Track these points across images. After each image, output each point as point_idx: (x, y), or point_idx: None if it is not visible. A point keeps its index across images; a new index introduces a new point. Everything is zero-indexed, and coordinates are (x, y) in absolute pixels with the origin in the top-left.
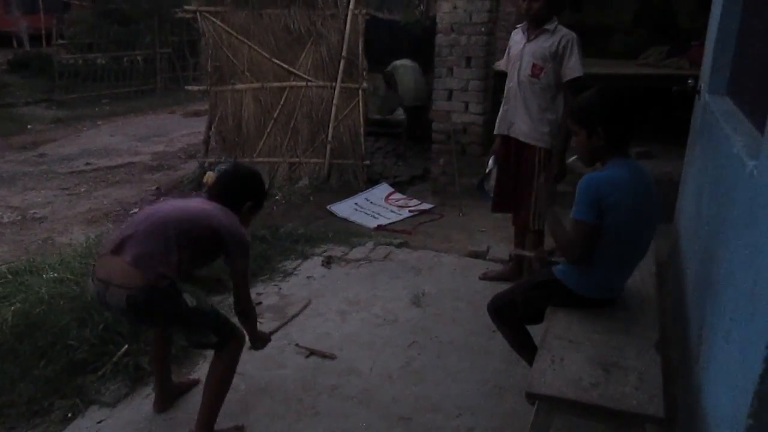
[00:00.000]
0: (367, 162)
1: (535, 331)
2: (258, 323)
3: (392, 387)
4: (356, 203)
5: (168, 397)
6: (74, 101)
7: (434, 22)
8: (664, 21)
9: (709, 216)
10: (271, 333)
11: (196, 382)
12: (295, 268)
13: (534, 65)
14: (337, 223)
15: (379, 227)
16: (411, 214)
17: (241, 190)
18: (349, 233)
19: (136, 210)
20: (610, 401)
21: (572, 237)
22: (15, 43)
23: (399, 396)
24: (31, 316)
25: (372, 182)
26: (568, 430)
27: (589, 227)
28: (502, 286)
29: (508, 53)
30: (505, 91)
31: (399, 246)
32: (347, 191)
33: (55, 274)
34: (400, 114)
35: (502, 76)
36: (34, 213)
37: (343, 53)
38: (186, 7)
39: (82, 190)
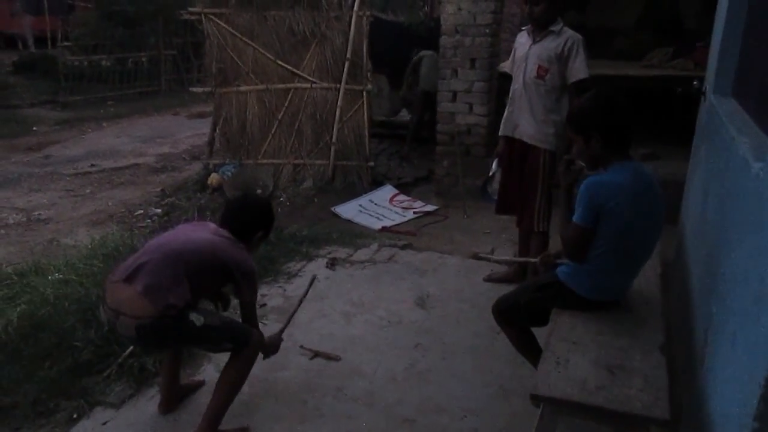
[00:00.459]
0: (372, 163)
1: (540, 333)
2: (262, 324)
3: (397, 389)
4: (360, 205)
5: (173, 399)
6: (79, 103)
7: (438, 23)
8: (668, 22)
9: (714, 218)
10: (283, 329)
11: (201, 384)
12: (299, 270)
13: (539, 67)
14: (342, 225)
15: (384, 229)
16: (415, 215)
17: (251, 221)
18: (354, 235)
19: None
20: (615, 403)
21: (568, 237)
22: (20, 45)
23: (403, 398)
24: (36, 317)
25: (376, 184)
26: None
27: (582, 231)
28: (507, 288)
29: (513, 55)
30: (510, 93)
31: (403, 248)
32: (351, 193)
33: (60, 276)
34: (404, 115)
35: (507, 77)
36: (39, 214)
37: (348, 55)
38: (191, 9)
39: (87, 191)
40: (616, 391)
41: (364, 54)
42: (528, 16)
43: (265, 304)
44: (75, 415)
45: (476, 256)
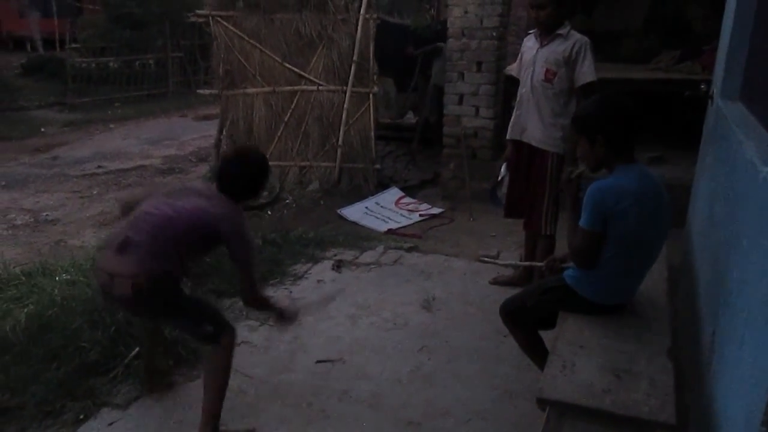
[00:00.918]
0: (378, 166)
1: (546, 336)
2: (268, 325)
3: (402, 391)
4: (366, 207)
5: (155, 380)
6: (87, 104)
7: (445, 26)
8: (676, 26)
9: (721, 221)
10: (316, 304)
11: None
12: (305, 272)
13: (547, 70)
14: (348, 227)
15: (390, 231)
16: (421, 218)
17: (248, 185)
18: (359, 237)
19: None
20: (622, 408)
21: (577, 244)
22: (29, 47)
23: (409, 400)
24: (44, 317)
25: (382, 186)
26: None
27: (592, 236)
28: (513, 291)
29: (521, 59)
30: (518, 97)
31: (409, 250)
32: (357, 195)
33: (68, 276)
34: (410, 118)
35: (513, 80)
36: (47, 215)
37: (354, 57)
38: (198, 12)
39: (94, 192)
40: (623, 395)
41: (371, 56)
42: (534, 20)
43: None
44: (82, 416)
45: (481, 259)
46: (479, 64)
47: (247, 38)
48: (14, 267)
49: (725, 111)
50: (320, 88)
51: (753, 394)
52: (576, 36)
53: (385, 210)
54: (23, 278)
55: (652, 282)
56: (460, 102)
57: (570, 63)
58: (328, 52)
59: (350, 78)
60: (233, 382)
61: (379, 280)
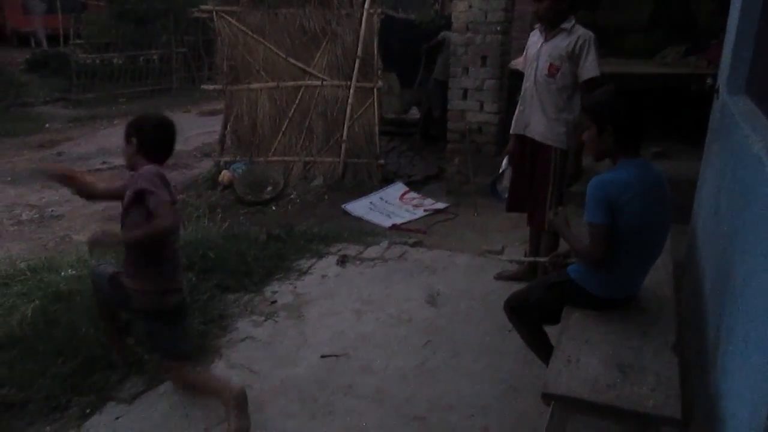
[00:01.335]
0: (382, 161)
1: (551, 331)
2: (273, 320)
3: (407, 386)
4: (371, 202)
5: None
6: (91, 100)
7: (449, 21)
8: (681, 20)
9: (726, 216)
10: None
11: None
12: (309, 267)
13: (551, 65)
14: (352, 222)
15: (394, 226)
16: (425, 213)
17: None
18: (364, 232)
19: None
20: (627, 402)
21: (589, 241)
22: (33, 43)
23: (413, 395)
24: (50, 313)
25: (387, 181)
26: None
27: (604, 229)
28: (517, 286)
29: (526, 53)
30: (522, 91)
31: (413, 245)
32: (362, 190)
33: (73, 272)
34: (414, 113)
35: (518, 75)
36: (52, 211)
37: (359, 52)
38: (202, 7)
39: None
40: (628, 390)
41: (375, 52)
42: (534, 14)
43: (275, 301)
44: (88, 410)
45: (486, 254)
46: (484, 58)
47: (251, 33)
48: (20, 262)
49: (731, 105)
50: (324, 83)
51: (758, 389)
52: (580, 31)
53: (389, 205)
54: (29, 273)
55: (656, 277)
56: (465, 97)
57: (573, 58)
58: (332, 47)
59: (354, 73)
60: (238, 376)
61: (383, 275)
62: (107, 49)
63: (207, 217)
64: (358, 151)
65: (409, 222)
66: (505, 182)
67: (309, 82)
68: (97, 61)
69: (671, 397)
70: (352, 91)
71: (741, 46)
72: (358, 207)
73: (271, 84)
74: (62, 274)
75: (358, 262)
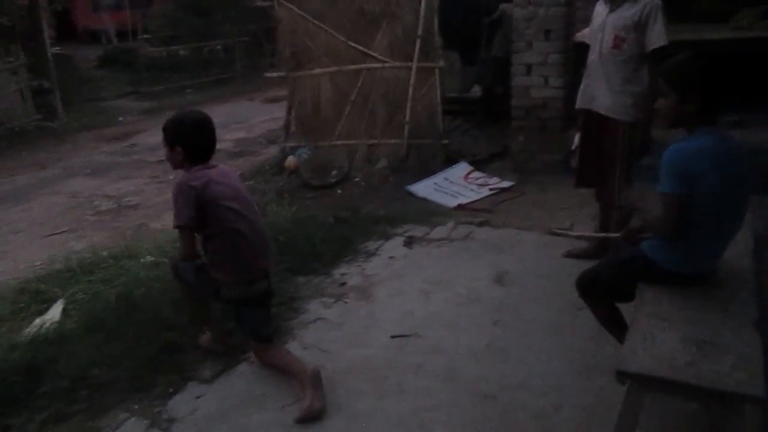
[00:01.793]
0: (445, 141)
1: (625, 309)
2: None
3: (477, 365)
4: (435, 183)
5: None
6: (160, 92)
7: None
8: None
9: None
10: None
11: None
12: (377, 249)
13: (616, 36)
14: (417, 203)
15: (459, 206)
16: (491, 192)
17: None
18: (429, 213)
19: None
20: (706, 380)
21: (662, 212)
22: (104, 40)
23: (484, 374)
24: (131, 298)
25: (450, 161)
26: (659, 410)
27: (679, 199)
28: (588, 264)
29: (591, 25)
30: (587, 64)
31: (480, 225)
32: (426, 171)
33: (151, 259)
34: (476, 91)
35: (584, 48)
36: (128, 201)
37: (419, 32)
38: None
39: (171, 177)
40: (707, 368)
41: (435, 30)
42: None
43: (345, 283)
44: (171, 390)
45: (553, 232)
46: (547, 32)
47: (311, 19)
48: (102, 251)
49: None
50: (385, 65)
51: None
52: None
53: (454, 185)
54: (110, 261)
55: (736, 252)
56: (528, 72)
57: (640, 27)
58: (392, 28)
59: (415, 53)
60: (311, 356)
61: (450, 255)
62: (173, 41)
63: (275, 202)
64: (421, 132)
65: (475, 201)
66: (578, 158)
67: (370, 64)
68: (164, 54)
69: (754, 375)
70: (413, 71)
71: None
72: (422, 188)
73: (333, 68)
74: (141, 260)
75: (424, 243)
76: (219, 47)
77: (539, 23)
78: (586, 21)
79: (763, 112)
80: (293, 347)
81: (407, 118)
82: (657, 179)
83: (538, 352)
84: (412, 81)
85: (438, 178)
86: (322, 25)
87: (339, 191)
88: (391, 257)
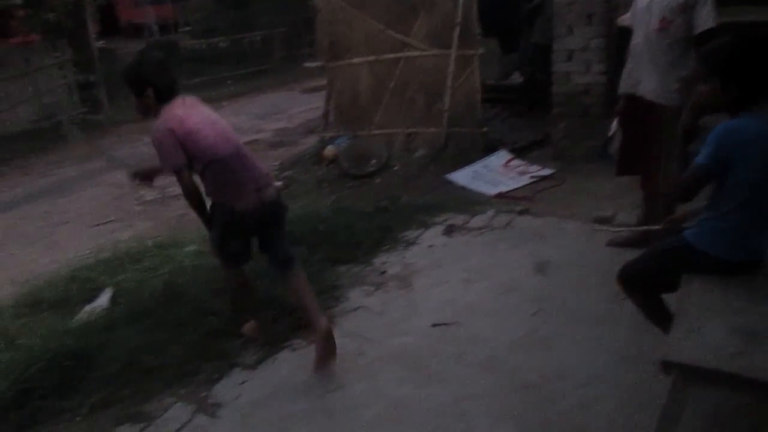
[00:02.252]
0: (485, 129)
1: (670, 299)
2: (383, 291)
3: (517, 354)
4: (475, 171)
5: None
6: (200, 84)
7: None
8: None
9: None
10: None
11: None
12: (416, 238)
13: (663, 18)
14: (456, 192)
15: (499, 195)
16: (531, 180)
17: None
18: (469, 201)
19: None
20: (756, 371)
21: (686, 176)
22: (146, 34)
23: (524, 364)
24: (176, 285)
25: (490, 149)
26: (705, 402)
27: (702, 172)
28: (631, 253)
29: (634, 7)
30: (631, 48)
31: (520, 213)
32: (465, 159)
33: (195, 247)
34: (515, 78)
35: (626, 32)
36: (171, 191)
37: (458, 19)
38: None
39: None
40: (758, 359)
41: (474, 17)
42: None
43: (385, 272)
44: (216, 375)
45: (594, 228)
46: (589, 16)
47: (350, 8)
48: (147, 240)
49: None
50: (424, 53)
51: None
52: None
53: (493, 173)
54: (156, 250)
55: None
56: (570, 58)
57: (688, 9)
58: (431, 16)
59: (454, 41)
60: (352, 344)
61: (490, 244)
62: (212, 34)
63: (314, 191)
64: (460, 120)
65: (515, 190)
66: (616, 144)
67: (408, 53)
68: (204, 46)
69: None
70: (452, 59)
71: None
72: (461, 176)
73: (371, 57)
74: (185, 249)
75: (464, 232)
76: (258, 38)
77: (581, 8)
78: (629, 4)
79: None
80: (335, 335)
81: (446, 106)
82: None
83: (579, 342)
84: (450, 69)
85: (477, 167)
86: (360, 14)
87: (378, 180)
88: (430, 246)
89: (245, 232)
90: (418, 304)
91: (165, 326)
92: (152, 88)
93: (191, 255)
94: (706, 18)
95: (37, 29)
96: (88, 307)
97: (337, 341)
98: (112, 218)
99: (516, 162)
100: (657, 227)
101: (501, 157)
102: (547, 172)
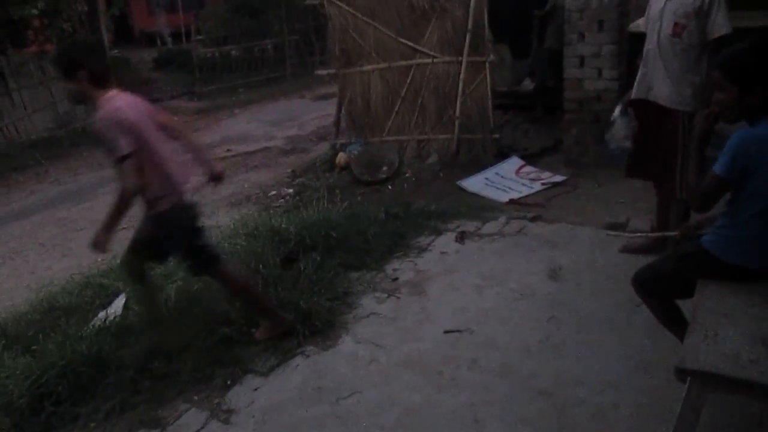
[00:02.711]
0: (497, 135)
1: (685, 305)
2: (395, 297)
3: (532, 361)
4: (486, 178)
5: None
6: (213, 92)
7: None
8: None
9: None
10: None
11: None
12: (429, 244)
13: (676, 24)
14: (468, 199)
15: (511, 201)
16: (543, 186)
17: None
18: (481, 208)
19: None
20: None
21: (703, 186)
22: (159, 42)
23: (539, 370)
24: (189, 292)
25: (502, 156)
26: (720, 410)
27: (720, 182)
28: (645, 259)
29: (648, 13)
30: (644, 53)
31: (532, 220)
32: (477, 166)
33: None
34: (527, 85)
35: (638, 38)
36: None
37: (469, 26)
38: None
39: (227, 173)
40: None
41: (485, 24)
42: None
43: (397, 278)
44: (229, 381)
45: (608, 234)
46: (600, 23)
47: (361, 16)
48: None
49: None
50: (435, 60)
51: None
52: None
53: (505, 180)
54: None
55: None
56: (581, 64)
57: (701, 14)
58: (442, 23)
59: (465, 48)
60: (365, 351)
61: (503, 250)
62: (225, 42)
63: (326, 198)
64: (472, 127)
65: (527, 196)
66: (617, 131)
67: (420, 60)
68: (217, 55)
69: None
70: (463, 66)
71: None
72: (473, 183)
73: (383, 65)
74: None
75: (476, 238)
76: (269, 46)
77: (592, 14)
78: (640, 10)
79: None
80: (347, 341)
81: (458, 112)
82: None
83: (594, 348)
84: (462, 75)
85: (489, 173)
86: (371, 22)
87: (390, 187)
88: (443, 252)
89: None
90: (430, 311)
91: (178, 332)
92: (86, 70)
93: None
94: (720, 23)
95: (53, 38)
96: (102, 313)
97: (350, 348)
98: (126, 226)
99: (528, 168)
100: (673, 233)
101: (513, 163)
102: (559, 178)
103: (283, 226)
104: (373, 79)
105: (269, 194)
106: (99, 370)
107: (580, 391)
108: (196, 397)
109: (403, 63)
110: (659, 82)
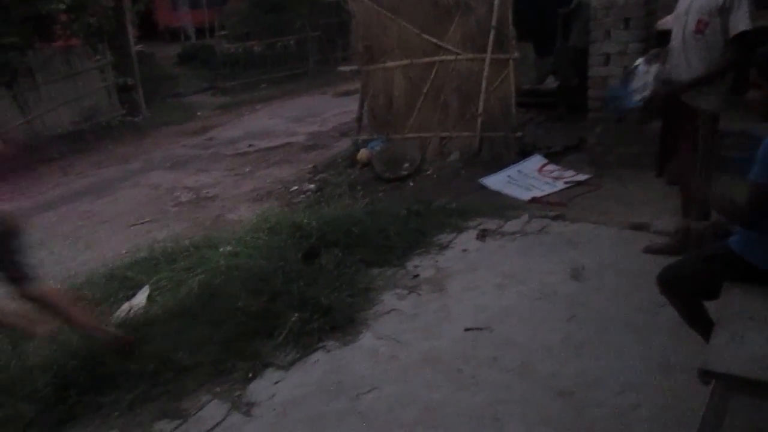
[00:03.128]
0: (519, 133)
1: (710, 306)
2: (416, 294)
3: (552, 361)
4: (509, 176)
5: None
6: (235, 88)
7: None
8: None
9: None
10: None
11: None
12: (450, 242)
13: (699, 20)
14: (490, 197)
15: (533, 200)
16: (566, 185)
17: None
18: (503, 206)
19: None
20: None
21: (747, 200)
22: (183, 38)
23: (559, 370)
24: (212, 285)
25: (524, 154)
26: (746, 413)
27: (764, 193)
28: (668, 260)
29: (677, 10)
30: (669, 49)
31: (555, 218)
32: (499, 164)
33: (230, 248)
34: (550, 83)
35: (665, 35)
36: (207, 192)
37: (493, 23)
38: None
39: (246, 170)
40: None
41: (509, 21)
42: None
43: (418, 275)
44: (250, 375)
45: (630, 228)
46: (627, 20)
47: (384, 12)
48: (183, 240)
49: None
50: (458, 57)
51: None
52: None
53: (528, 178)
54: (192, 250)
55: None
56: (607, 62)
57: (724, 12)
58: (466, 19)
59: (489, 45)
60: (385, 347)
61: (524, 249)
62: (248, 38)
63: (348, 194)
64: (495, 125)
65: (549, 195)
66: (637, 79)
67: (443, 57)
68: (240, 50)
69: None
70: (487, 63)
71: None
72: (495, 181)
73: (406, 61)
74: (220, 250)
75: (498, 236)
76: (292, 42)
77: (618, 11)
78: (668, 8)
79: None
80: (367, 337)
81: (480, 110)
82: (734, 170)
83: (615, 349)
84: (485, 73)
85: (511, 171)
86: (395, 18)
87: (411, 184)
88: (464, 250)
89: None
90: (451, 308)
91: (200, 325)
92: None
93: (226, 255)
94: (741, 20)
95: (79, 33)
96: (126, 305)
97: (370, 344)
98: (149, 219)
99: (550, 167)
100: (698, 226)
101: (535, 161)
102: (582, 177)
103: (305, 221)
104: (395, 76)
105: (291, 190)
106: (122, 360)
107: (600, 391)
108: (217, 389)
109: (426, 60)
110: (682, 78)
